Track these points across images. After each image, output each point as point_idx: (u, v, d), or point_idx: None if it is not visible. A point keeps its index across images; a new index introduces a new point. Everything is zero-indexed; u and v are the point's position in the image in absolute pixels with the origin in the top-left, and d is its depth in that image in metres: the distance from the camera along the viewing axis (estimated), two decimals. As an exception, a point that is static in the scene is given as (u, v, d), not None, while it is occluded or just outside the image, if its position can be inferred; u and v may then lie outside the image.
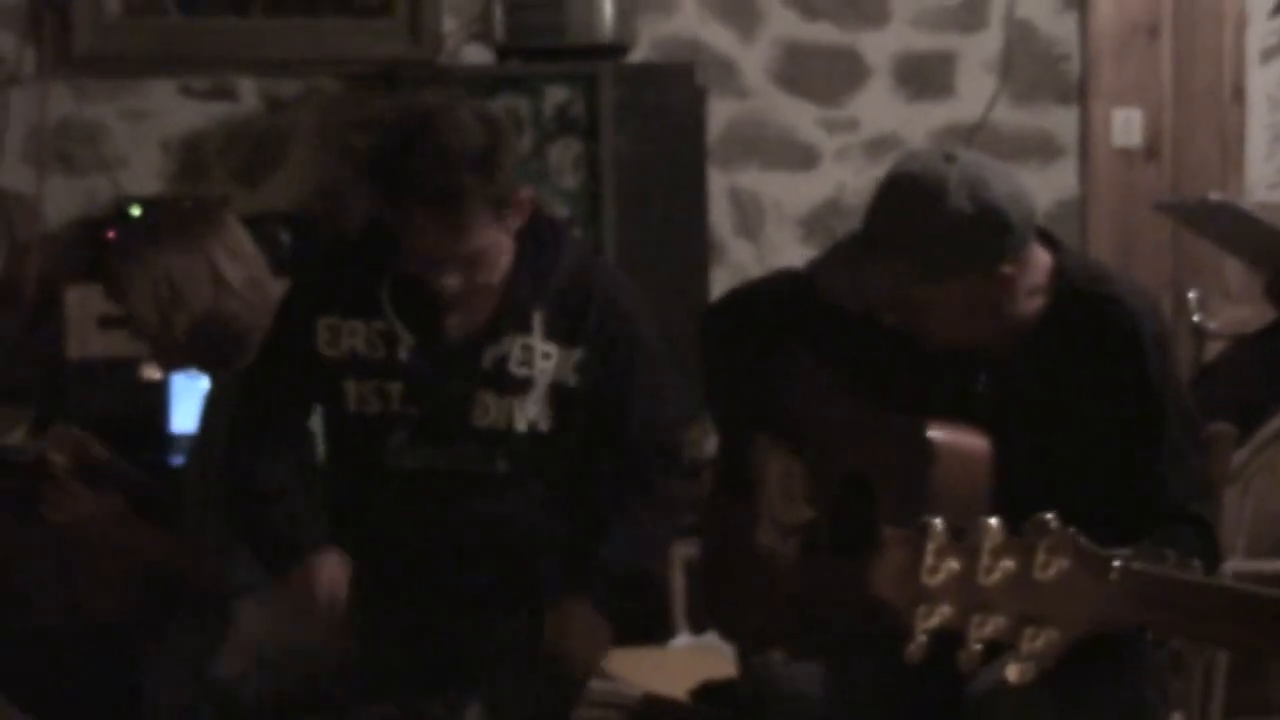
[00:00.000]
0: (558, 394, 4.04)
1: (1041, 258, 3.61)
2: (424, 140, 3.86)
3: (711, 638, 4.51)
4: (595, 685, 4.19)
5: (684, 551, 4.86)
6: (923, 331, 3.60)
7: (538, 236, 4.04)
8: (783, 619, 3.77)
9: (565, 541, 4.10)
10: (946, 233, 3.45)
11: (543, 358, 4.01)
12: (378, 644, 4.04)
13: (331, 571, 3.93)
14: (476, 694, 3.89)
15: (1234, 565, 4.29)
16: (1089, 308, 3.60)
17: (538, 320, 4.01)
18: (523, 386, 4.01)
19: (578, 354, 4.03)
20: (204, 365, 4.47)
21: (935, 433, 3.50)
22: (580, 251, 4.27)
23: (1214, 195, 5.30)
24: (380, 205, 3.98)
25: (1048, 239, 3.69)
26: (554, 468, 4.10)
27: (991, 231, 3.46)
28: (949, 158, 3.49)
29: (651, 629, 4.85)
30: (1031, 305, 3.59)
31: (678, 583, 4.97)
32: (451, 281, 3.89)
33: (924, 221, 3.46)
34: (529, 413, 4.02)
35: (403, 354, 4.00)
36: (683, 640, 4.88)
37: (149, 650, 4.07)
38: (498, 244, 3.92)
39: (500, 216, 3.89)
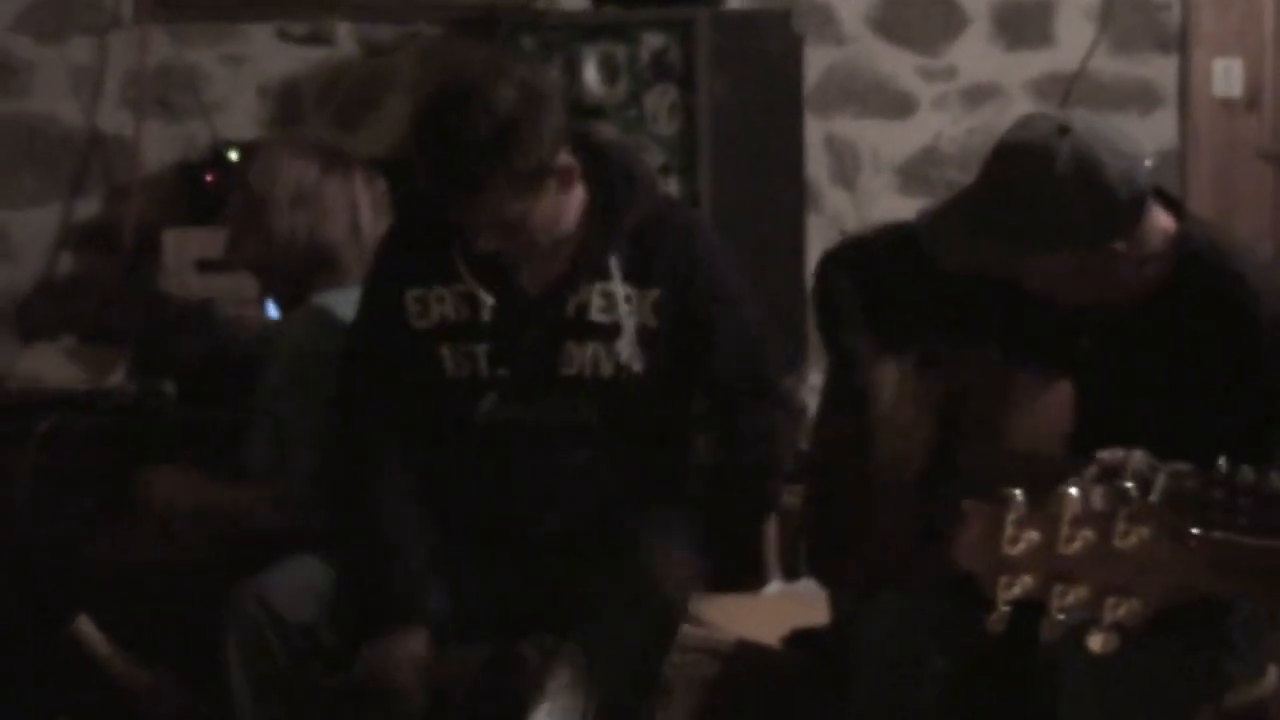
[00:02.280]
0: (641, 337, 4.05)
1: (1162, 224, 3.58)
2: (442, 125, 3.87)
3: (804, 585, 4.53)
4: (688, 631, 4.20)
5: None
6: (1030, 291, 3.60)
7: (610, 184, 4.06)
8: (899, 549, 3.81)
9: (656, 486, 4.12)
10: (1053, 209, 3.44)
11: (625, 301, 4.03)
12: (473, 591, 4.06)
13: (413, 657, 3.94)
14: (570, 638, 3.89)
15: None
16: (1210, 281, 3.57)
17: (614, 265, 4.03)
18: (607, 333, 4.03)
19: (654, 294, 4.05)
20: (288, 292, 4.53)
21: (1018, 372, 3.58)
22: (653, 196, 4.23)
23: None
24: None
25: (1173, 204, 3.66)
26: (642, 413, 4.11)
27: (1099, 210, 3.45)
28: (1063, 130, 3.46)
29: (744, 577, 4.82)
30: (1148, 272, 3.57)
31: (771, 530, 4.96)
32: (487, 245, 3.94)
33: (1027, 197, 3.46)
34: (615, 358, 4.04)
35: (485, 315, 4.02)
36: (775, 588, 4.88)
37: (229, 592, 4.07)
38: (540, 209, 3.93)
39: (532, 187, 3.89)
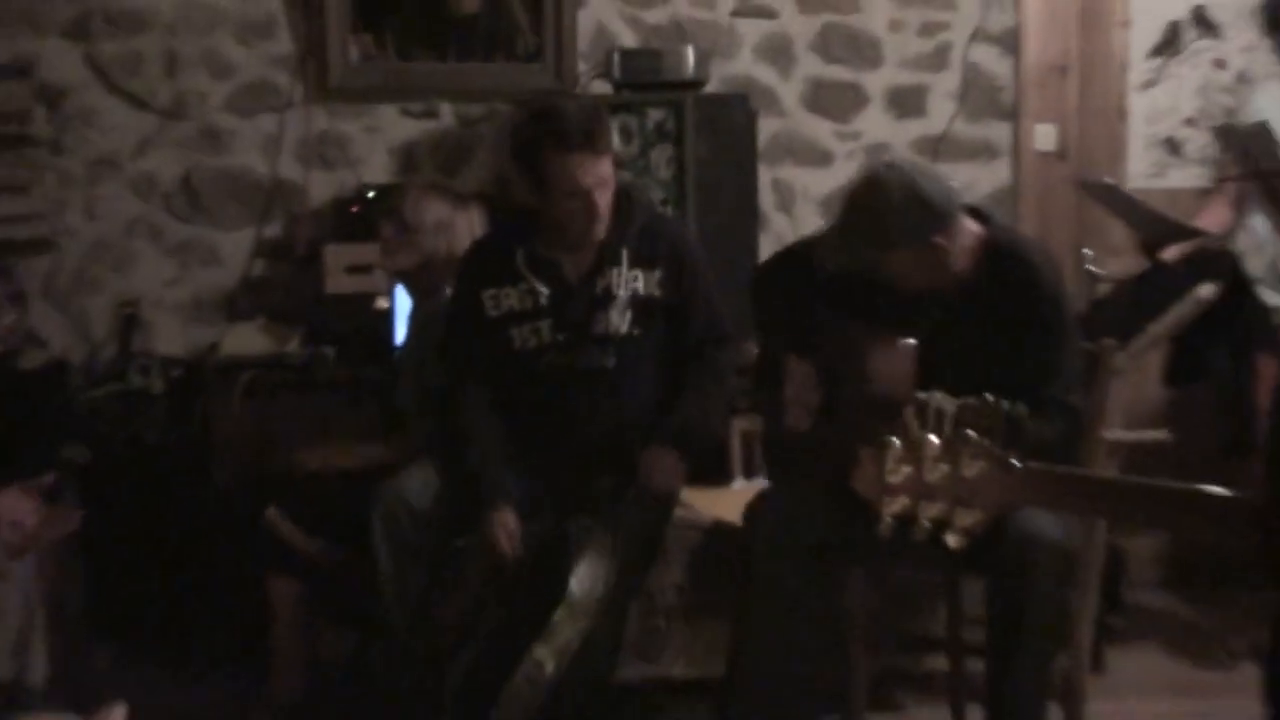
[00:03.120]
0: (647, 304, 4.09)
1: (972, 229, 3.66)
2: (556, 105, 3.97)
3: (757, 481, 4.55)
4: (678, 513, 4.25)
5: (740, 424, 4.83)
6: (888, 283, 3.65)
7: (621, 204, 4.10)
8: (802, 465, 3.85)
9: (654, 412, 4.14)
10: (888, 219, 3.52)
11: (632, 280, 4.08)
12: (534, 486, 4.08)
13: (508, 527, 3.95)
14: (599, 518, 3.93)
15: (1114, 434, 4.26)
16: (1008, 265, 3.65)
17: (625, 255, 4.08)
18: (619, 301, 4.08)
19: (657, 273, 4.10)
20: (417, 290, 4.54)
21: (872, 337, 3.63)
22: (650, 210, 4.29)
23: (1107, 179, 5.25)
24: (522, 165, 4.01)
25: (979, 215, 3.73)
26: (645, 361, 4.14)
27: (920, 215, 3.52)
28: (890, 166, 3.56)
29: (716, 475, 4.81)
30: (966, 262, 3.64)
31: (735, 444, 4.94)
32: (602, 200, 3.98)
33: (873, 213, 3.53)
34: (627, 320, 4.10)
35: (544, 301, 4.07)
36: (739, 483, 4.85)
37: (374, 489, 4.14)
38: (611, 181, 4.02)
39: (612, 160, 4.00)
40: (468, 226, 4.45)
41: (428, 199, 4.47)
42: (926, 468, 2.06)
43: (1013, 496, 2.06)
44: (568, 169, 3.94)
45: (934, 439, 2.06)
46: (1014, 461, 2.06)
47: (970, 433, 2.06)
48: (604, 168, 3.97)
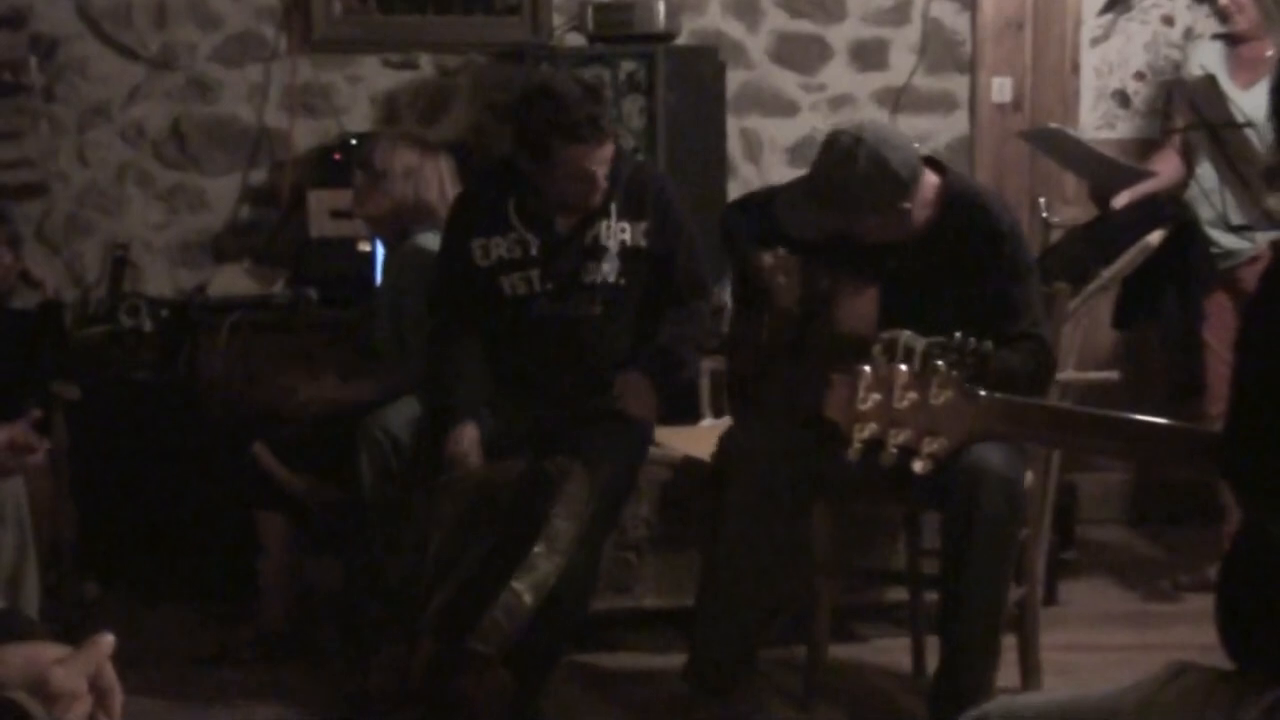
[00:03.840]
0: (634, 253, 4.07)
1: (931, 180, 3.65)
2: (561, 93, 3.90)
3: (724, 419, 4.51)
4: (651, 450, 4.23)
5: (709, 364, 4.82)
6: (852, 238, 3.63)
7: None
8: (769, 398, 3.86)
9: (632, 352, 4.13)
10: (855, 191, 3.50)
11: (620, 231, 4.06)
12: (516, 425, 4.08)
13: (470, 438, 3.97)
14: (576, 456, 3.86)
15: (1066, 375, 4.30)
16: (964, 210, 3.65)
17: (613, 208, 4.05)
18: (608, 254, 4.05)
19: (644, 224, 4.08)
20: (389, 235, 4.51)
21: (836, 284, 3.64)
22: (631, 160, 4.26)
23: (1053, 125, 5.23)
24: (528, 149, 3.95)
25: (937, 166, 3.72)
26: (627, 308, 4.12)
27: (889, 186, 3.51)
28: (858, 140, 3.50)
29: (686, 414, 4.82)
30: (926, 213, 3.63)
31: (704, 384, 4.95)
32: (600, 180, 3.95)
33: (840, 186, 3.51)
34: (615, 268, 4.07)
35: (534, 250, 4.04)
36: (707, 422, 4.85)
37: (360, 423, 4.13)
38: (608, 159, 3.98)
39: (613, 141, 3.98)
40: (435, 174, 4.43)
41: (396, 147, 4.45)
42: (896, 396, 2.05)
43: (978, 426, 2.05)
44: (577, 159, 3.93)
45: (904, 368, 2.05)
46: (980, 392, 2.05)
47: (939, 363, 2.06)
48: (609, 150, 3.97)
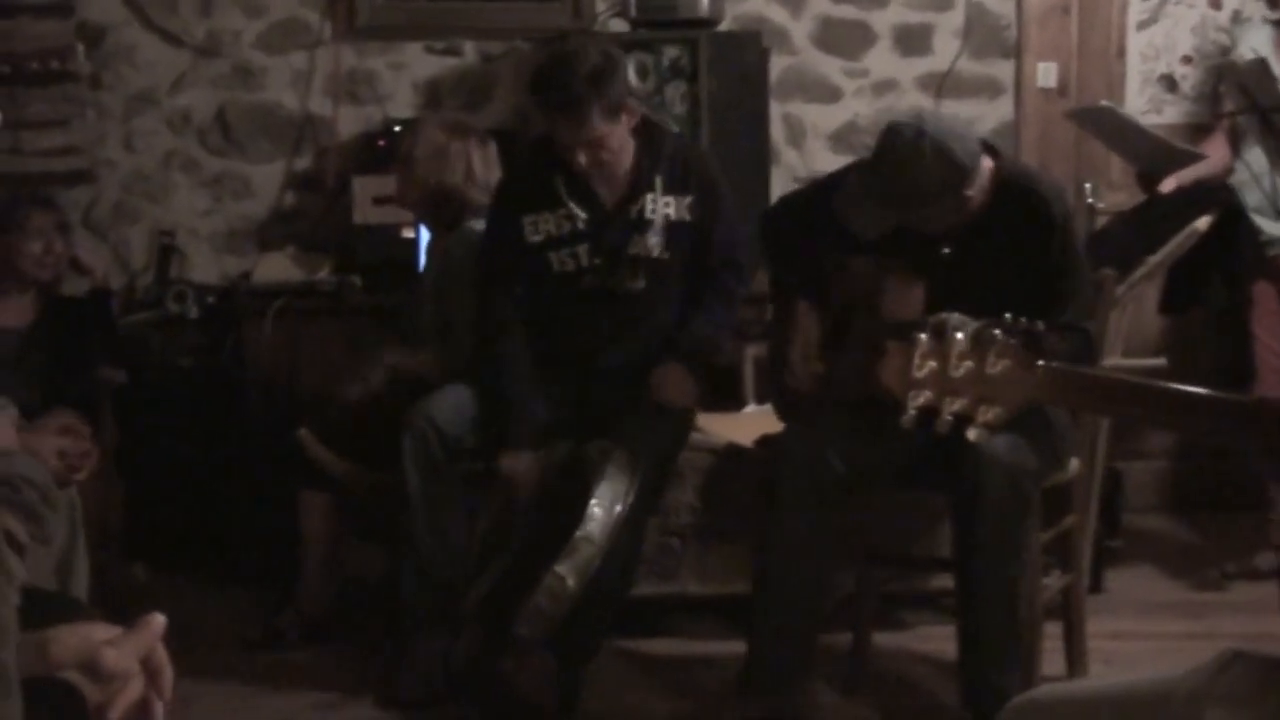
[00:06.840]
0: (678, 228, 4.06)
1: (986, 165, 3.60)
2: (553, 66, 3.90)
3: (768, 407, 4.50)
4: (694, 436, 4.23)
5: (753, 350, 4.80)
6: (909, 227, 3.58)
7: (649, 133, 4.06)
8: (813, 390, 3.83)
9: (670, 338, 4.11)
10: (922, 183, 3.45)
11: (664, 205, 4.05)
12: (562, 409, 4.06)
13: (528, 468, 3.95)
14: (619, 440, 3.87)
15: (1113, 362, 4.25)
16: (1019, 196, 3.60)
17: (659, 182, 4.04)
18: (653, 227, 4.04)
19: (688, 199, 4.07)
20: (431, 221, 4.49)
21: (886, 275, 3.61)
22: (677, 138, 4.27)
23: (1103, 101, 5.18)
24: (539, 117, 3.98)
25: (991, 150, 3.68)
26: (671, 283, 4.11)
27: (955, 180, 3.46)
28: (920, 133, 3.44)
29: (730, 401, 4.81)
30: (980, 198, 3.59)
31: (748, 370, 4.93)
32: (582, 159, 3.93)
33: (907, 179, 3.45)
34: (660, 241, 4.05)
35: (581, 225, 4.02)
36: (751, 408, 4.83)
37: (405, 412, 4.08)
38: (615, 135, 3.94)
39: (613, 117, 3.91)
40: (462, 156, 4.36)
41: (424, 129, 4.42)
42: (952, 364, 2.02)
43: (1034, 394, 2.03)
44: (555, 130, 3.95)
45: (960, 335, 2.02)
46: (1039, 361, 2.02)
47: (996, 332, 2.03)
48: (588, 131, 3.90)
